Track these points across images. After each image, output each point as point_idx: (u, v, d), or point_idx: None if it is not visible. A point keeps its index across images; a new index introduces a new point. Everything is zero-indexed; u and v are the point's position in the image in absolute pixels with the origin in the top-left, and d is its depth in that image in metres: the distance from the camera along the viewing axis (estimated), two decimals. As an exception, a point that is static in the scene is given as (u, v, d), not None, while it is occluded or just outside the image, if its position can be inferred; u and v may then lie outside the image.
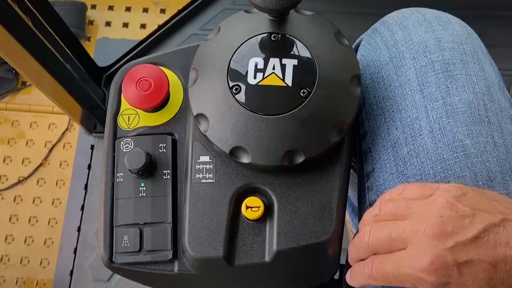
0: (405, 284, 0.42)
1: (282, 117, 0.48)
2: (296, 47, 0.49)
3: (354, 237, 0.70)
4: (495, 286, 0.39)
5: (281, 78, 0.48)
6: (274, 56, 0.49)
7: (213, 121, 0.49)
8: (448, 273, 0.39)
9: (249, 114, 0.48)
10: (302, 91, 0.48)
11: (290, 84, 0.48)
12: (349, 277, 0.48)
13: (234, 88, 0.48)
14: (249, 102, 0.48)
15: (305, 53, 0.49)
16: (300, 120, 0.47)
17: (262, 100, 0.48)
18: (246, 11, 0.53)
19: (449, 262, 0.39)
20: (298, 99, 0.48)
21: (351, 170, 0.64)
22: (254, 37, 0.50)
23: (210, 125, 0.49)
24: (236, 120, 0.48)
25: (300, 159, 0.48)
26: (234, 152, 0.48)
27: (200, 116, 0.50)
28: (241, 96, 0.48)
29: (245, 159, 0.48)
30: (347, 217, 0.90)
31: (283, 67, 0.48)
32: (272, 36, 0.50)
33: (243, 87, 0.48)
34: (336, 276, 0.75)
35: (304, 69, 0.49)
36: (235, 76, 0.49)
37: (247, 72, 0.48)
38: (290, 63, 0.48)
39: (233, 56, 0.50)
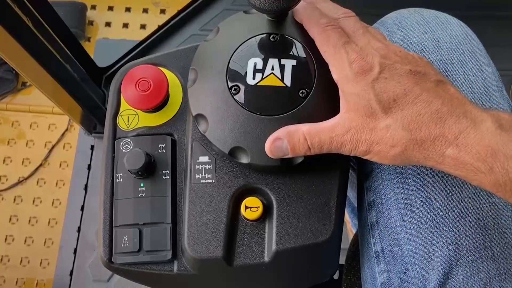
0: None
1: (281, 117, 0.48)
2: (295, 48, 0.49)
3: (353, 236, 0.70)
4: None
5: (280, 78, 0.48)
6: (273, 57, 0.49)
7: (212, 121, 0.49)
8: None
9: (248, 114, 0.48)
10: (301, 91, 0.48)
11: (289, 85, 0.48)
12: None
13: (233, 89, 0.48)
14: (248, 103, 0.48)
15: (303, 53, 0.49)
16: (298, 120, 0.47)
17: (261, 100, 0.48)
18: (245, 12, 0.53)
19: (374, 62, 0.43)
20: (297, 100, 0.48)
21: (350, 170, 0.64)
22: (253, 38, 0.50)
23: (209, 125, 0.49)
24: (235, 121, 0.48)
25: (299, 159, 0.48)
26: (233, 152, 0.48)
27: (199, 116, 0.50)
28: (240, 97, 0.48)
29: (244, 159, 0.48)
30: (347, 217, 0.90)
31: (282, 67, 0.48)
32: (271, 36, 0.50)
33: (242, 87, 0.48)
34: (336, 276, 0.75)
35: (303, 70, 0.49)
36: (234, 76, 0.49)
37: (246, 72, 0.48)
38: (289, 63, 0.48)
39: (232, 57, 0.50)
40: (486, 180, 0.41)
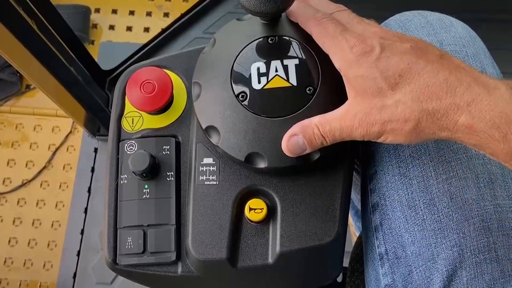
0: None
1: (292, 117, 0.48)
2: (295, 47, 0.49)
3: (357, 239, 0.70)
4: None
5: (286, 79, 0.48)
6: (275, 59, 0.49)
7: (224, 131, 0.49)
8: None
9: (259, 119, 0.48)
10: (308, 88, 0.48)
11: (295, 84, 0.48)
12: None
13: (240, 96, 0.48)
14: (257, 107, 0.48)
15: (304, 51, 0.49)
16: (310, 117, 0.47)
17: (270, 103, 0.48)
18: (238, 19, 0.53)
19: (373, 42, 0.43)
20: (306, 97, 0.48)
21: (354, 173, 0.64)
22: (252, 43, 0.50)
23: (221, 135, 0.49)
24: (247, 127, 0.48)
25: (316, 155, 0.48)
26: (250, 158, 0.48)
27: (210, 128, 0.49)
28: (248, 102, 0.48)
29: (262, 164, 0.48)
30: (350, 220, 0.90)
31: (285, 68, 0.48)
32: (269, 39, 0.50)
33: (249, 93, 0.48)
34: (340, 279, 0.75)
35: (307, 67, 0.49)
36: (239, 83, 0.49)
37: (250, 78, 0.49)
38: (291, 63, 0.49)
39: (234, 64, 0.50)
40: (499, 148, 0.40)
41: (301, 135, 0.46)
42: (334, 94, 0.48)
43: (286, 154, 0.47)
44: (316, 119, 0.46)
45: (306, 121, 0.46)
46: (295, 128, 0.46)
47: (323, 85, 0.48)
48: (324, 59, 0.47)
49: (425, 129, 0.42)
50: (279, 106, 0.48)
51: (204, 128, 0.50)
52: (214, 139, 0.49)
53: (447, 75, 0.41)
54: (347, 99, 0.45)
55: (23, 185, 1.36)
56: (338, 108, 0.45)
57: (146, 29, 1.52)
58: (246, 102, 0.48)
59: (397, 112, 0.42)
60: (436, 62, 0.42)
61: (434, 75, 0.41)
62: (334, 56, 0.45)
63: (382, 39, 0.43)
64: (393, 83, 0.42)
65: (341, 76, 0.45)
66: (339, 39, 0.44)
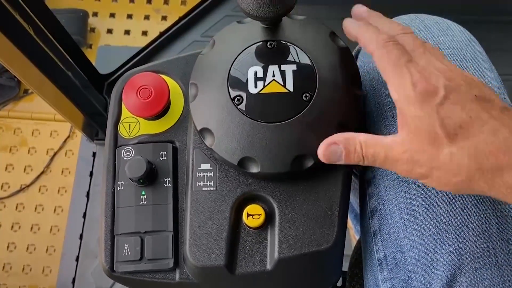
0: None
1: (287, 123, 0.47)
2: (293, 52, 0.49)
3: (356, 243, 0.70)
4: None
5: (282, 84, 0.48)
6: (273, 63, 0.49)
7: (218, 134, 0.49)
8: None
9: (254, 123, 0.48)
10: (304, 95, 0.48)
11: (291, 90, 0.48)
12: None
13: (236, 99, 0.48)
14: (253, 112, 0.48)
15: (302, 57, 0.49)
16: (305, 124, 0.47)
17: (266, 108, 0.48)
18: (239, 22, 0.53)
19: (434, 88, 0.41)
20: (302, 104, 0.48)
21: (353, 177, 0.64)
22: (250, 47, 0.50)
23: (215, 138, 0.49)
24: (241, 131, 0.48)
25: (310, 163, 0.48)
26: (243, 163, 0.48)
27: (204, 130, 0.49)
28: (244, 106, 0.48)
29: (254, 168, 0.48)
30: (350, 223, 0.90)
31: (282, 73, 0.48)
32: (268, 43, 0.50)
33: (245, 97, 0.48)
34: (339, 284, 0.75)
35: (304, 73, 0.49)
36: (236, 87, 0.49)
37: (247, 82, 0.48)
38: (289, 68, 0.48)
39: (232, 67, 0.49)
40: None
41: (342, 146, 0.44)
42: (331, 102, 0.47)
43: (320, 158, 0.46)
44: (362, 137, 0.44)
45: (350, 134, 0.45)
46: (338, 137, 0.45)
47: (320, 92, 0.48)
48: (322, 66, 0.47)
49: (475, 186, 0.40)
50: (275, 112, 0.48)
51: (198, 130, 0.50)
52: (208, 141, 0.49)
53: (507, 134, 0.39)
54: (344, 108, 0.44)
55: (21, 190, 1.36)
56: (388, 136, 0.43)
57: (144, 33, 1.52)
58: (241, 106, 0.48)
59: (449, 164, 0.40)
60: (498, 117, 0.40)
61: (494, 133, 0.39)
62: (392, 87, 0.43)
63: (447, 80, 0.41)
64: (451, 134, 0.40)
65: (340, 84, 0.44)
66: (402, 71, 0.42)
